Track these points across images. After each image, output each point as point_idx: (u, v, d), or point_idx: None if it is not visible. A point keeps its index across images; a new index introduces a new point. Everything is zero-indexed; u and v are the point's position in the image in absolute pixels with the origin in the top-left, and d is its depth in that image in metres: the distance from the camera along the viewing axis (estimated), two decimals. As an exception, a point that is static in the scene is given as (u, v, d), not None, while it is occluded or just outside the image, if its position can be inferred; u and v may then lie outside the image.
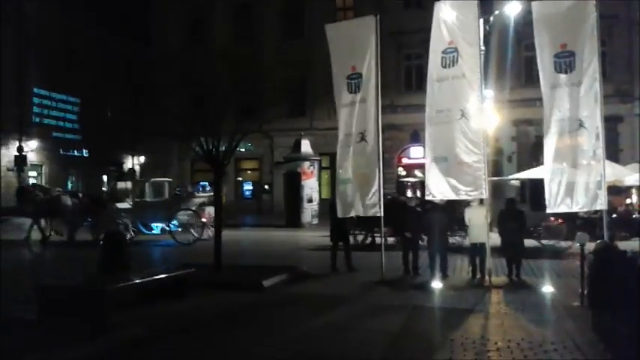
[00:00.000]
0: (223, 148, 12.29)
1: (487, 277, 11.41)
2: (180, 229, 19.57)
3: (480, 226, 11.91)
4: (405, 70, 32.62)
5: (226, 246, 12.50)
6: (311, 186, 26.30)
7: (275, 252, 16.91)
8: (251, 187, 36.14)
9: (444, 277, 11.81)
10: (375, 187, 11.81)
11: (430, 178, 11.85)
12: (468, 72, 11.45)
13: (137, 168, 45.04)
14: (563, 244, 15.90)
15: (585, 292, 8.86)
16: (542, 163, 26.77)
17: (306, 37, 31.35)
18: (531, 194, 17.14)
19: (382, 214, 11.95)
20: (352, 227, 16.88)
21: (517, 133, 31.45)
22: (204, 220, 19.42)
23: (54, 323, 7.85)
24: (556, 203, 11.15)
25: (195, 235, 19.26)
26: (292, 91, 29.43)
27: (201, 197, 21.09)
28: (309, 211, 25.65)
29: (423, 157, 33.51)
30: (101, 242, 10.49)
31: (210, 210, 19.71)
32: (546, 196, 11.18)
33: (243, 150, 31.12)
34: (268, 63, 23.74)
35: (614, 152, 23.93)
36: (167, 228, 19.62)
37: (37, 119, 36.32)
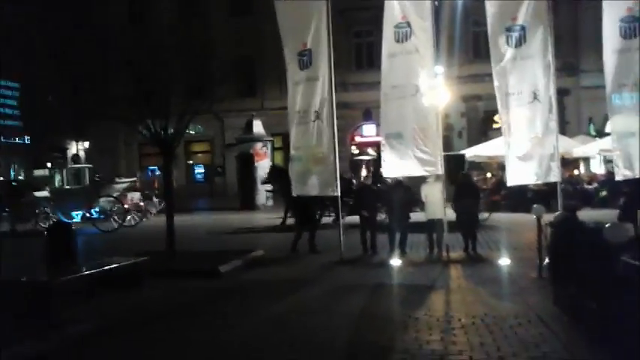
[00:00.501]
0: (172, 130, 11.83)
1: (445, 253, 11.44)
2: (102, 217, 19.18)
3: (436, 202, 11.97)
4: (356, 48, 32.45)
5: (178, 231, 12.16)
6: (264, 167, 25.92)
7: (230, 236, 16.59)
8: (202, 170, 35.50)
9: (403, 254, 11.78)
10: (331, 165, 11.61)
11: (386, 155, 11.75)
12: (421, 47, 11.33)
13: (82, 154, 43.63)
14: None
15: (543, 264, 8.96)
16: (490, 138, 27.42)
17: (255, 14, 30.69)
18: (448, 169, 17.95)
19: (339, 194, 11.77)
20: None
21: (466, 109, 31.81)
22: (125, 206, 19.21)
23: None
24: (514, 176, 11.27)
25: (118, 221, 18.92)
26: (242, 71, 28.87)
27: (122, 183, 20.89)
28: (264, 192, 25.32)
29: (376, 135, 33.70)
30: (46, 233, 9.97)
31: (132, 196, 19.89)
32: (506, 169, 11.30)
33: (193, 132, 30.38)
34: (216, 39, 23.07)
35: (561, 125, 24.40)
36: (88, 215, 19.19)
37: (-24, 107, 34.68)
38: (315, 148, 11.76)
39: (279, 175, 18.72)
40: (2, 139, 36.20)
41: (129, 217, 19.30)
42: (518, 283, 8.88)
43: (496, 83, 11.24)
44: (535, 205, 9.24)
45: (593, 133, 26.63)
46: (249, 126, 26.86)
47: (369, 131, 31.60)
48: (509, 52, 11.13)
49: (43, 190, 20.63)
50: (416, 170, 11.41)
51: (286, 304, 8.26)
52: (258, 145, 26.11)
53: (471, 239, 12.07)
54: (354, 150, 31.49)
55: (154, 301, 8.72)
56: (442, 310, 7.36)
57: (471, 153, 23.49)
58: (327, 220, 15.92)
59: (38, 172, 25.58)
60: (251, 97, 31.82)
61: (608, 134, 25.09)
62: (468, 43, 30.84)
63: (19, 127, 37.41)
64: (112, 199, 19.43)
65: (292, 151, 12.29)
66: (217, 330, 7.09)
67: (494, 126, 30.48)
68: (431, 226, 12.15)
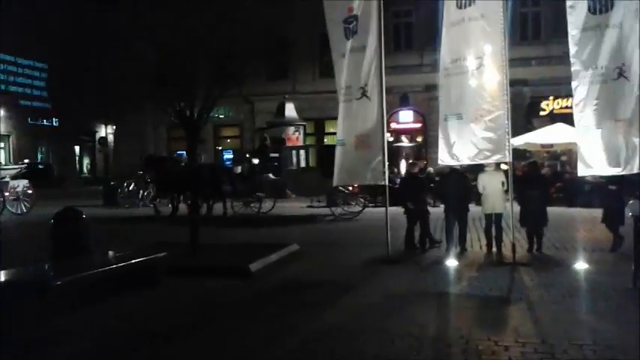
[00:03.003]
0: (197, 111, 10.46)
1: (509, 253, 9.90)
2: None
3: (495, 195, 10.55)
4: (394, 29, 30.66)
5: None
6: (297, 153, 24.46)
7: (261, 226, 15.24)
8: (231, 156, 34.29)
9: (463, 251, 10.52)
10: (379, 150, 10.06)
11: (442, 140, 10.18)
12: (486, 11, 9.71)
13: (110, 137, 42.88)
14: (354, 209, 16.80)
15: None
16: (535, 126, 25.47)
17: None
18: (322, 160, 17.49)
19: (387, 183, 10.22)
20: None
21: (512, 95, 29.80)
22: (6, 194, 18.31)
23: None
24: (588, 165, 9.59)
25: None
26: (273, 52, 27.36)
27: (8, 170, 20.05)
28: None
29: (413, 122, 31.94)
30: (52, 222, 8.67)
31: (18, 183, 18.99)
32: (578, 157, 9.65)
33: (222, 116, 29.12)
34: (245, 18, 21.59)
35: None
36: None
37: (2, 86, 34.07)
38: (363, 130, 10.17)
39: (154, 165, 18.38)
40: (29, 121, 35.57)
41: (18, 205, 18.46)
42: (612, 295, 7.22)
43: (573, 55, 9.58)
44: (631, 202, 7.58)
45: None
46: (280, 110, 25.41)
47: (405, 117, 29.94)
48: (590, 19, 9.46)
49: None
50: (479, 157, 9.78)
51: (323, 319, 6.55)
52: (290, 129, 24.65)
53: (537, 237, 10.57)
54: (390, 137, 29.89)
55: (163, 310, 7.17)
56: (536, 335, 5.62)
57: (520, 141, 21.72)
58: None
59: None
60: (282, 80, 30.21)
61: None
62: (515, 25, 28.87)
63: (48, 109, 36.75)
64: None
65: (338, 135, 10.71)
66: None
67: (542, 113, 28.67)
68: (489, 222, 10.67)
